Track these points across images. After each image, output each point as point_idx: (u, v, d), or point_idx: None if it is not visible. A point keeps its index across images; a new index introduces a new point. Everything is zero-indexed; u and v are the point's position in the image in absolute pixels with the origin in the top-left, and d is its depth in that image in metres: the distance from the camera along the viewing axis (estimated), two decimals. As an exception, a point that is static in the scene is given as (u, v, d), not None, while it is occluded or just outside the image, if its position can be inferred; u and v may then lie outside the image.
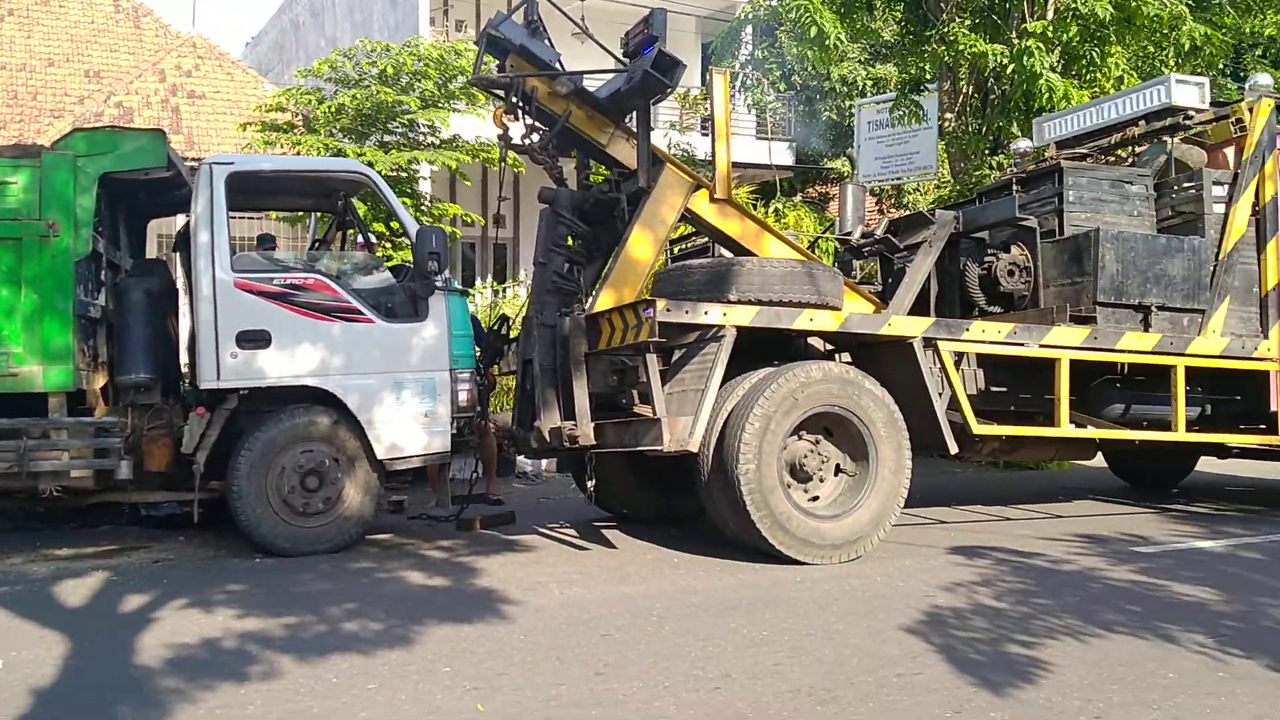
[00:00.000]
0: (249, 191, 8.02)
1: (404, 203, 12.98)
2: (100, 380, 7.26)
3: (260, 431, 7.20)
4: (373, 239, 9.87)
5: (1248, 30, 13.85)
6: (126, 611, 5.76)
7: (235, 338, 7.12)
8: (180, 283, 8.41)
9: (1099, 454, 10.49)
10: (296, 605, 5.82)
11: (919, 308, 8.24)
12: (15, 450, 6.70)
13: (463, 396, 7.65)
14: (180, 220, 9.89)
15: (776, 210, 16.64)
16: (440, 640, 5.18)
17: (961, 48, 12.59)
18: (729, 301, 7.07)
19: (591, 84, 8.17)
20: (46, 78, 19.60)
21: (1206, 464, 11.07)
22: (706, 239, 9.04)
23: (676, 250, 9.65)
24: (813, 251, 10.02)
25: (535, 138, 7.92)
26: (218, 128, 18.24)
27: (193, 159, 12.07)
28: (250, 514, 7.13)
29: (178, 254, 8.61)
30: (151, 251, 10.32)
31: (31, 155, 6.90)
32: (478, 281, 18.27)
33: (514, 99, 7.72)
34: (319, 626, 5.43)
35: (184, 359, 8.13)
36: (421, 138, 13.77)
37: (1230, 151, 8.94)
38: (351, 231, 9.23)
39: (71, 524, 8.41)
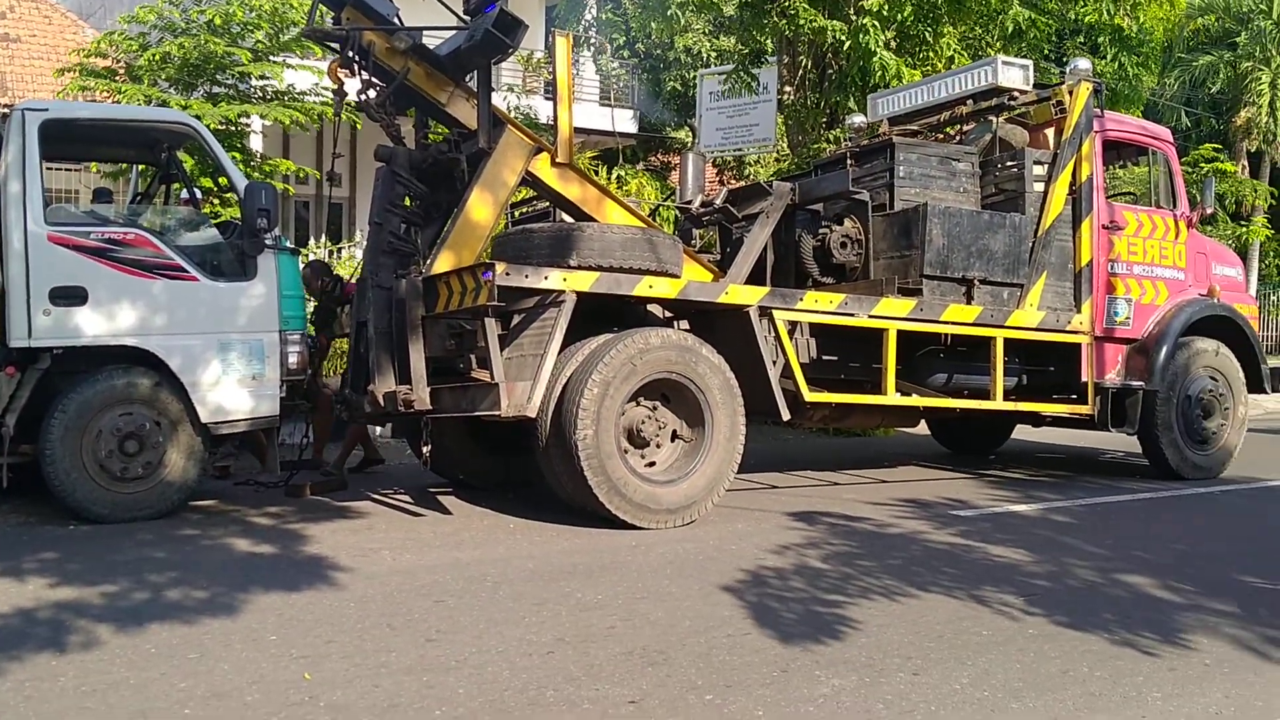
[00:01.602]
0: (65, 140, 7.59)
1: (233, 158, 12.49)
2: (-107, 339, 6.79)
3: (75, 393, 6.86)
4: (198, 194, 9.46)
5: (1070, 16, 14.53)
6: (-75, 582, 5.43)
7: (48, 294, 6.76)
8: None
9: (923, 421, 10.94)
10: (115, 573, 5.59)
11: (756, 277, 8.39)
12: None
13: (293, 359, 7.45)
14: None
15: (619, 177, 16.67)
16: (267, 608, 5.06)
17: (801, 22, 12.84)
18: (569, 267, 7.06)
19: (431, 41, 8.01)
20: None
21: (1022, 432, 11.66)
22: (547, 203, 9.00)
23: (517, 214, 9.59)
24: (653, 219, 10.08)
25: (372, 94, 7.71)
26: (34, 73, 17.22)
27: (4, 105, 11.35)
28: (64, 479, 6.80)
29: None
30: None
31: None
32: (312, 241, 17.77)
33: (350, 53, 7.51)
34: (139, 595, 5.23)
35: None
36: (253, 91, 13.25)
37: (1050, 132, 9.37)
38: (176, 186, 8.84)
39: None
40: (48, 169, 6.96)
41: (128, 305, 6.95)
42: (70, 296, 6.81)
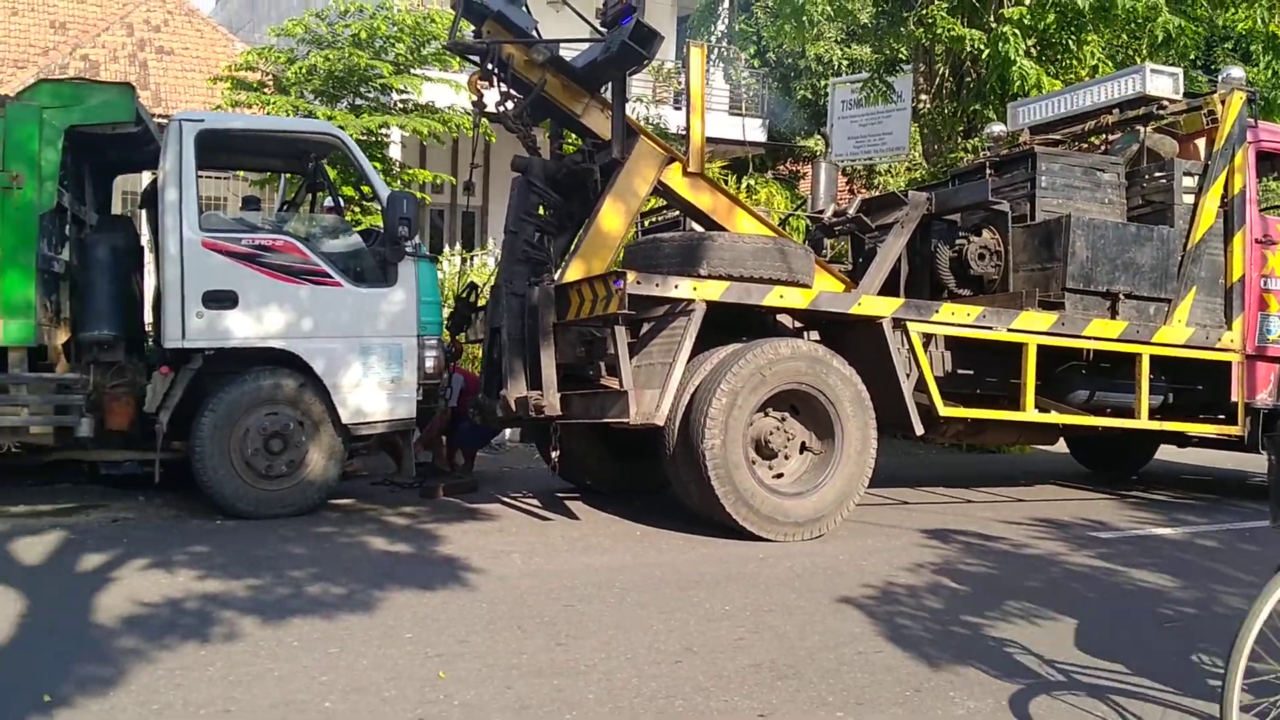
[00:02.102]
0: (218, 150, 7.91)
1: (374, 167, 12.90)
2: (62, 336, 7.17)
3: (225, 392, 7.14)
4: (341, 202, 9.78)
5: (1220, 23, 13.95)
6: (85, 570, 5.71)
7: (201, 297, 7.05)
8: (146, 240, 8.30)
9: (1061, 439, 10.62)
10: (259, 567, 5.80)
11: (889, 288, 8.28)
12: (-28, 405, 6.62)
13: (429, 363, 7.63)
14: (147, 177, 9.79)
15: (748, 186, 16.64)
16: (402, 606, 5.18)
17: (939, 31, 12.62)
18: (699, 276, 7.07)
19: (567, 53, 8.13)
20: (9, 27, 19.21)
21: (1165, 452, 11.23)
22: (677, 213, 9.03)
23: (646, 223, 9.65)
24: (783, 229, 10.02)
25: (510, 105, 7.87)
26: (186, 85, 17.98)
27: (161, 115, 11.91)
28: (212, 475, 7.08)
29: (144, 211, 8.49)
30: (117, 208, 10.16)
31: (-5, 105, 6.79)
32: (446, 249, 18.17)
33: (490, 65, 7.67)
34: (281, 589, 5.41)
35: (149, 317, 8.04)
36: (393, 103, 13.64)
37: (1201, 143, 9.03)
38: (321, 194, 9.14)
39: (29, 481, 8.31)
40: (199, 177, 7.26)
41: (275, 309, 7.20)
42: (221, 300, 7.09)
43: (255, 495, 7.17)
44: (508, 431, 11.39)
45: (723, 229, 7.86)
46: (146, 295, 8.20)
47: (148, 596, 5.19)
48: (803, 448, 7.30)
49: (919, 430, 7.72)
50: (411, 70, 13.43)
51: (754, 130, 19.46)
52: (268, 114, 12.33)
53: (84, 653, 4.35)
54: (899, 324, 7.66)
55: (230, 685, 4.05)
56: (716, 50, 17.37)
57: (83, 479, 8.43)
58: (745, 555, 6.54)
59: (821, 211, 9.69)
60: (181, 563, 5.90)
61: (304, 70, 12.74)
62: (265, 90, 13.43)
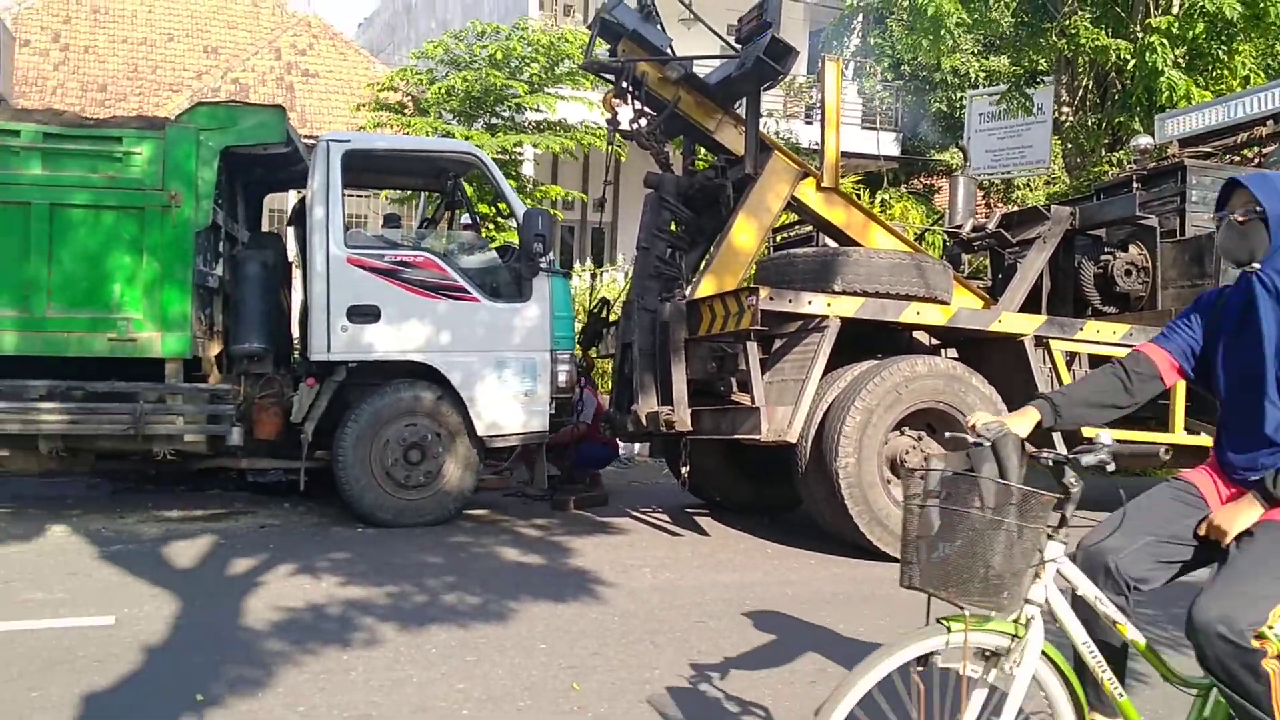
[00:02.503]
0: (363, 169, 8.18)
1: (510, 185, 13.15)
2: (215, 349, 7.48)
3: (366, 404, 7.35)
4: (478, 219, 9.99)
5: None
6: (234, 574, 5.93)
7: (346, 312, 7.27)
8: (294, 257, 8.61)
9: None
10: (397, 575, 5.94)
11: (1030, 305, 8.07)
12: (132, 413, 6.93)
13: (562, 377, 7.72)
14: (293, 196, 10.15)
15: (883, 201, 16.44)
16: (536, 617, 5.24)
17: (1083, 41, 12.28)
18: (833, 292, 7.01)
19: (701, 70, 8.16)
20: (166, 52, 20.21)
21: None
22: (810, 228, 8.97)
23: (778, 239, 9.60)
24: (919, 244, 9.86)
25: (644, 122, 7.93)
26: (330, 106, 18.63)
27: (307, 137, 12.36)
28: (354, 484, 7.29)
29: (292, 228, 8.81)
30: (265, 226, 10.56)
31: (156, 127, 7.11)
32: (576, 264, 18.40)
33: (624, 83, 7.75)
34: (419, 597, 5.53)
35: (295, 331, 8.33)
36: (527, 121, 13.90)
37: (1363, 154, 8.59)
38: (459, 211, 9.35)
39: (181, 487, 8.69)
40: (345, 195, 7.51)
41: (415, 323, 7.39)
42: (365, 314, 7.30)
43: (394, 504, 7.36)
44: (636, 446, 11.46)
45: (857, 244, 7.78)
46: (294, 310, 8.48)
47: (293, 601, 5.36)
48: (938, 467, 7.13)
49: (1062, 451, 7.47)
50: (545, 89, 13.66)
51: (887, 144, 19.23)
52: (408, 134, 12.68)
53: (234, 654, 4.51)
54: (1041, 342, 7.45)
55: (371, 690, 4.15)
56: (850, 64, 17.21)
57: (231, 486, 8.78)
58: (880, 576, 6.43)
59: (960, 226, 9.51)
60: (324, 569, 6.08)
61: (443, 91, 13.07)
62: (405, 111, 13.82)
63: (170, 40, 20.42)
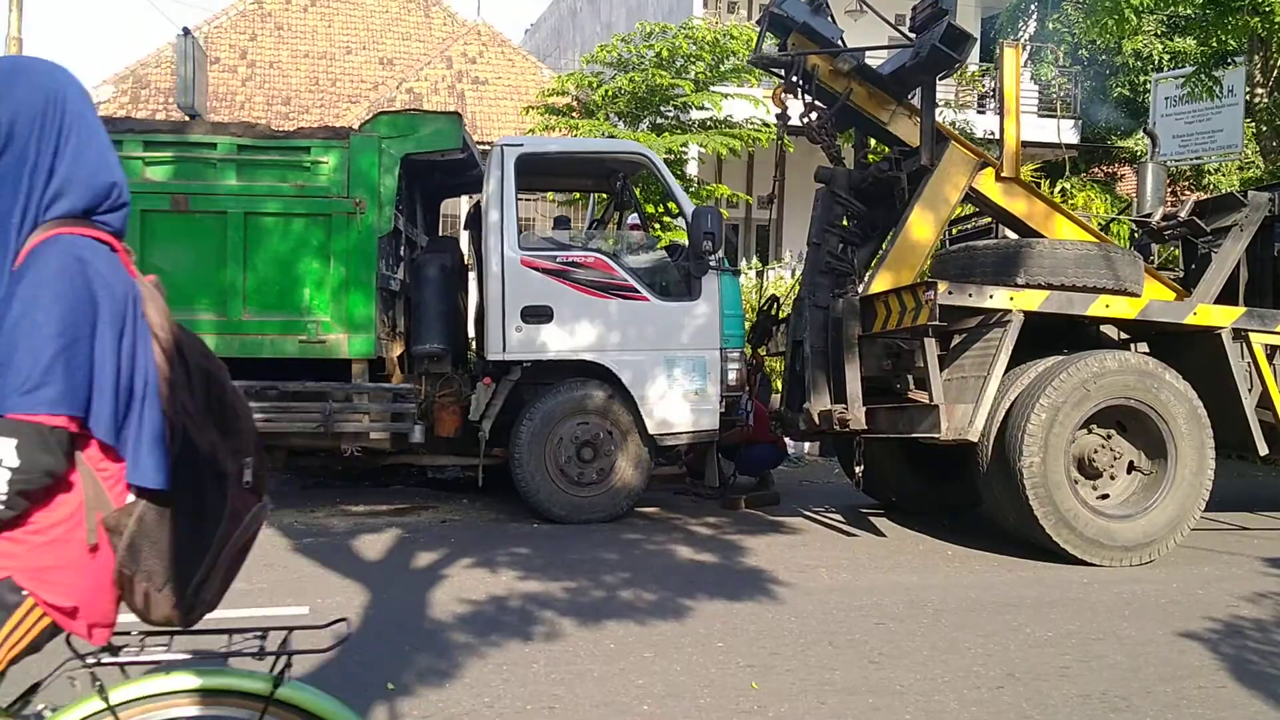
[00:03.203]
0: (535, 172, 8.32)
1: (677, 183, 13.19)
2: (397, 349, 7.72)
3: (540, 403, 7.48)
4: (645, 219, 10.04)
5: None
6: (418, 567, 6.11)
7: (520, 312, 7.41)
8: (469, 259, 8.82)
9: None
10: (574, 571, 6.02)
11: (1225, 296, 7.62)
12: (322, 412, 7.21)
13: (732, 375, 7.69)
14: (465, 201, 10.40)
15: (1064, 190, 15.83)
16: (712, 615, 5.23)
17: (1277, 19, 11.53)
18: (1016, 285, 6.77)
19: (872, 60, 8.00)
20: (344, 65, 21.02)
21: None
22: (989, 220, 8.69)
23: (954, 232, 9.33)
24: (1105, 234, 9.44)
25: (814, 116, 7.82)
26: (499, 112, 19.05)
27: (478, 143, 12.67)
28: (530, 481, 7.42)
29: (467, 232, 9.03)
30: (441, 230, 10.86)
31: (340, 137, 7.38)
32: (741, 263, 18.34)
33: (794, 77, 7.66)
34: (596, 592, 5.59)
35: (472, 332, 8.53)
36: (691, 121, 13.90)
37: None
38: (627, 211, 9.42)
39: (365, 483, 9.01)
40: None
41: (586, 323, 7.48)
42: (538, 315, 7.43)
43: (568, 501, 7.46)
44: (806, 445, 11.33)
45: (1040, 236, 7.49)
46: (470, 311, 8.69)
47: (475, 594, 5.48)
48: (1130, 467, 6.83)
49: (1263, 450, 7.06)
50: (711, 87, 13.64)
51: (1067, 132, 18.49)
52: (575, 136, 12.85)
53: (420, 644, 4.65)
54: (1240, 335, 7.04)
55: (553, 683, 4.21)
56: (1027, 49, 16.65)
57: (412, 481, 9.06)
58: (1067, 579, 6.18)
59: (1149, 215, 9.05)
60: (503, 563, 6.21)
61: (609, 93, 13.20)
62: (573, 114, 14.02)
63: (348, 53, 21.23)
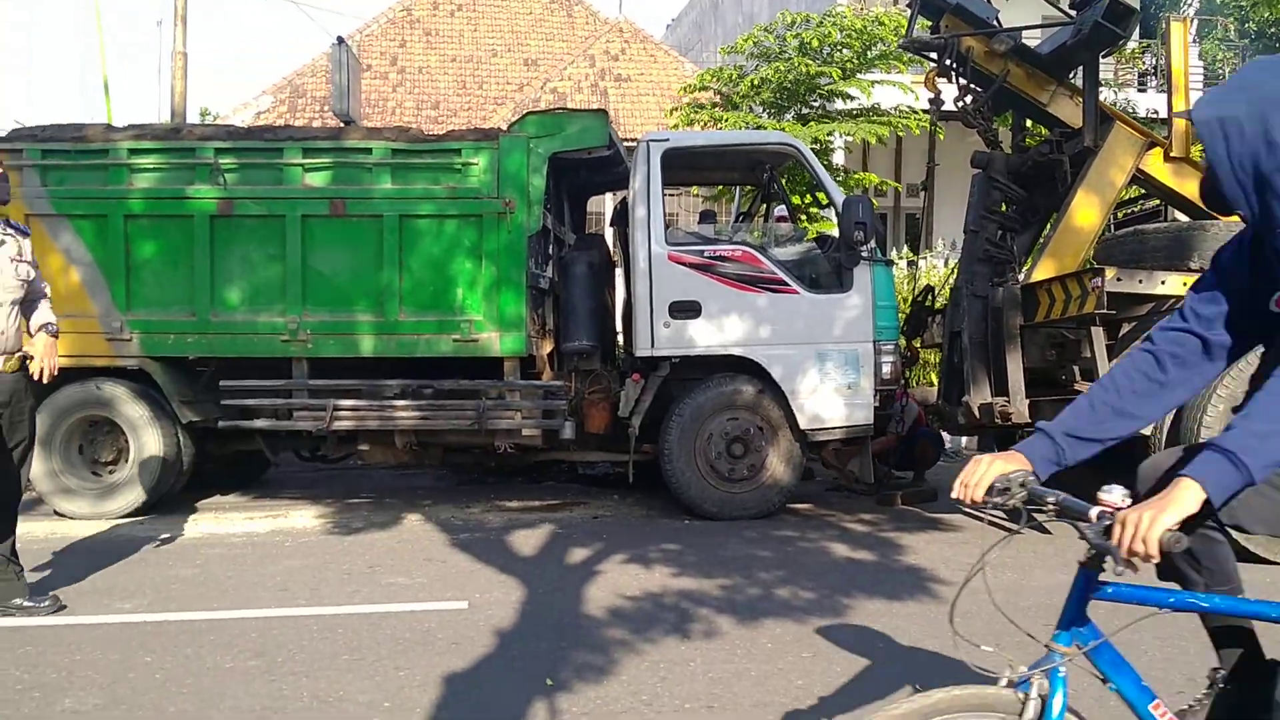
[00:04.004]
0: (681, 167, 8.28)
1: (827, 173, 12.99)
2: (547, 347, 7.79)
3: (690, 398, 7.44)
4: (792, 211, 9.90)
5: None
6: (572, 563, 6.14)
7: (668, 308, 7.38)
8: (617, 256, 8.84)
9: None
10: (728, 568, 5.96)
11: None
12: (476, 409, 7.33)
13: (886, 369, 7.50)
14: (610, 197, 10.44)
15: (1233, 170, 14.97)
16: (871, 614, 5.10)
17: None
18: (1189, 270, 6.43)
19: (1030, 40, 7.72)
20: (491, 67, 21.40)
21: None
22: (1156, 203, 8.29)
23: (1120, 215, 8.93)
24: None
25: (969, 99, 7.58)
26: (642, 108, 19.11)
27: (626, 139, 12.72)
28: (680, 477, 7.40)
29: (613, 229, 9.06)
30: (588, 228, 10.92)
31: (490, 138, 7.47)
32: (891, 252, 17.99)
33: (947, 60, 7.44)
34: (751, 590, 5.52)
35: (620, 328, 8.55)
36: (838, 108, 13.68)
37: None
38: (774, 203, 9.30)
39: (518, 479, 9.13)
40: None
41: (735, 317, 7.40)
42: (686, 310, 7.39)
43: (719, 497, 7.41)
44: (964, 439, 11.01)
45: (1213, 218, 7.09)
46: (617, 307, 8.71)
47: (629, 590, 5.48)
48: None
49: None
50: (858, 74, 13.40)
51: (1235, 108, 17.54)
52: (720, 130, 12.78)
53: (578, 640, 4.66)
54: None
55: (711, 682, 4.16)
56: (1193, 24, 15.87)
57: (563, 478, 9.15)
58: (1249, 580, 5.81)
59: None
60: (656, 559, 6.19)
61: (753, 84, 13.08)
62: (716, 108, 13.95)
63: (494, 56, 21.60)
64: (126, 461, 7.34)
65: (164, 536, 6.78)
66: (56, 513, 7.34)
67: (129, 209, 7.23)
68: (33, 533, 6.79)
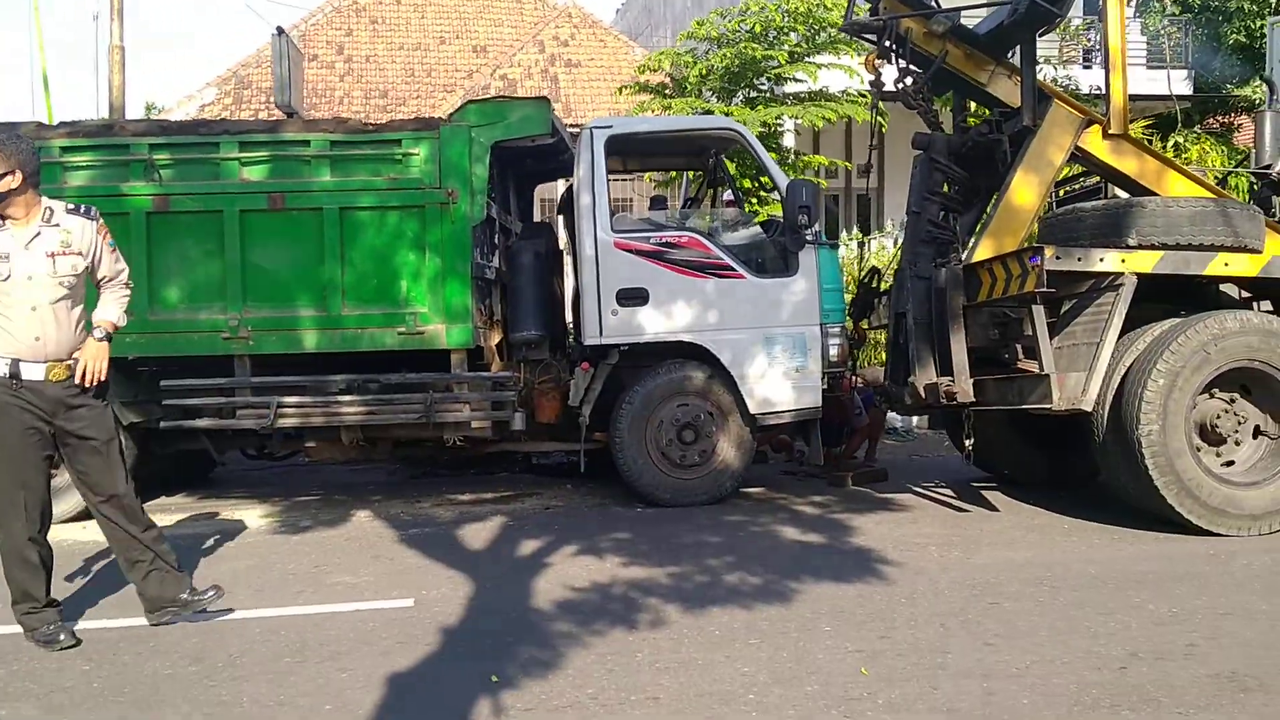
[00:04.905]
0: (627, 153, 8.26)
1: (771, 158, 12.98)
2: (495, 338, 7.74)
3: (639, 386, 7.43)
4: (740, 195, 9.89)
5: None
6: (522, 555, 6.12)
7: (616, 295, 7.35)
8: (564, 244, 8.80)
9: None
10: (678, 555, 5.96)
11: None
12: (423, 402, 7.26)
13: (834, 351, 7.53)
14: (562, 185, 10.37)
15: (1176, 144, 15.18)
16: (819, 598, 5.12)
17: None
18: (1128, 247, 6.49)
19: (968, 20, 7.74)
20: (439, 55, 21.19)
21: None
22: (1096, 180, 8.35)
23: (1062, 193, 8.99)
24: (1222, 188, 9.00)
25: (909, 81, 7.58)
26: (593, 94, 19.02)
27: (572, 125, 12.64)
28: (632, 465, 7.39)
29: (560, 217, 9.01)
30: (537, 216, 10.86)
31: (430, 128, 7.38)
32: (842, 233, 18.04)
33: (887, 42, 7.45)
34: (700, 577, 5.52)
35: (569, 317, 8.52)
36: (786, 93, 13.68)
37: None
38: (721, 188, 9.29)
39: (471, 471, 9.08)
40: (610, 181, 7.60)
41: (683, 303, 7.39)
42: (634, 297, 7.37)
43: (671, 484, 7.41)
44: (915, 419, 11.09)
45: (1152, 194, 7.16)
46: (566, 296, 8.67)
47: (578, 582, 5.46)
48: (1256, 432, 6.51)
49: None
50: (806, 59, 13.40)
51: (1179, 83, 17.71)
52: (669, 114, 12.74)
53: (524, 635, 4.64)
54: (1371, 288, 6.65)
55: (657, 672, 4.16)
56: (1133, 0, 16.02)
57: (517, 469, 9.11)
58: (1192, 552, 5.91)
59: (1269, 166, 8.59)
60: (607, 549, 6.18)
61: (703, 70, 13.06)
62: (666, 92, 13.90)
63: (442, 43, 21.39)
64: (66, 465, 7.21)
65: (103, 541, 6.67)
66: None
67: (63, 208, 7.10)
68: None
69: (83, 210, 4.62)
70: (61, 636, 4.53)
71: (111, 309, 4.69)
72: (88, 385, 4.50)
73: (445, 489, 8.24)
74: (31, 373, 4.40)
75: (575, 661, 4.29)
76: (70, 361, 4.48)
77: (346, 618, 4.93)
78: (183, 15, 61.19)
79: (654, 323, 7.39)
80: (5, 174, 4.34)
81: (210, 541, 6.58)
